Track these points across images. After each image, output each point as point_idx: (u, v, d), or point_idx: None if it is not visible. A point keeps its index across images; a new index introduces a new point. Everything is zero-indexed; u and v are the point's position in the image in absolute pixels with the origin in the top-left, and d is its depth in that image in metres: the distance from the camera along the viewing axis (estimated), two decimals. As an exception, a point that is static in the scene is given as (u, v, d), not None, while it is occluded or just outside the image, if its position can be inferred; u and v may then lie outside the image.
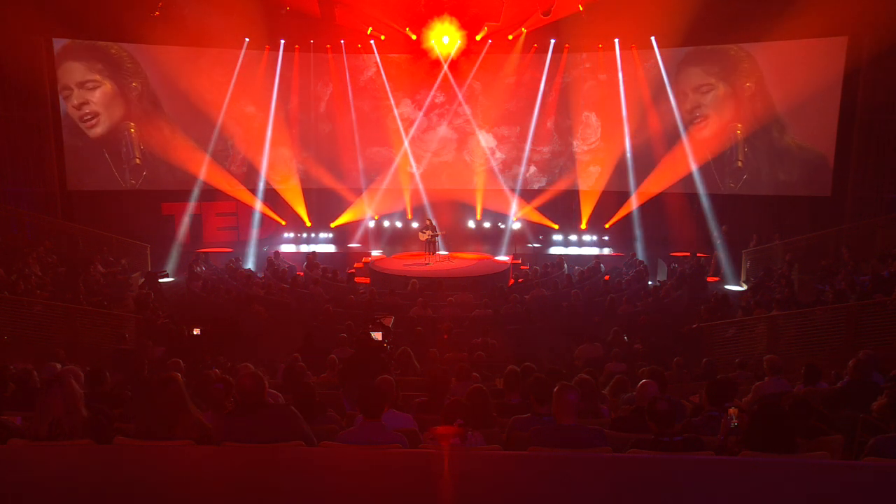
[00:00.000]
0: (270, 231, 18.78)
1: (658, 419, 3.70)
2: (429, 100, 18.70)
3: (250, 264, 16.26)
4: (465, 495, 2.37)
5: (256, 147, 18.13)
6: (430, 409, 5.05)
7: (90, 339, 10.30)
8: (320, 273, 14.46)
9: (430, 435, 3.70)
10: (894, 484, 2.52)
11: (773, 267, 13.76)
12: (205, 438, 3.54)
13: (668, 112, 16.93)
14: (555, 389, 3.91)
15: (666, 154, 17.10)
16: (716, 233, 15.98)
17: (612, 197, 17.96)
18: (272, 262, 15.54)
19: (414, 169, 19.00)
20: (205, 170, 17.47)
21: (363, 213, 18.90)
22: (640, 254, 16.38)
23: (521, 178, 18.92)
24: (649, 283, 14.18)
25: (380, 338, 8.35)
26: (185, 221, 17.68)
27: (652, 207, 17.37)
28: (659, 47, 16.72)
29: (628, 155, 17.60)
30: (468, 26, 17.28)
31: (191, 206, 17.64)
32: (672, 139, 17.00)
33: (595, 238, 18.19)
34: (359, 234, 18.71)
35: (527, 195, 18.85)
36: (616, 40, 17.15)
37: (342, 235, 18.78)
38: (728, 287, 14.61)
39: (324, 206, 18.99)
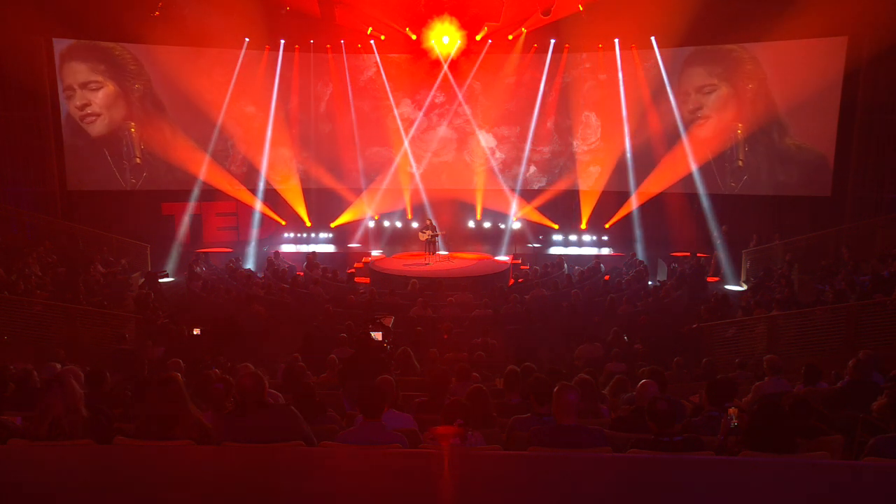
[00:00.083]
0: (270, 231, 18.78)
1: (658, 419, 3.70)
2: (429, 100, 18.70)
3: (250, 264, 16.26)
4: (465, 495, 2.37)
5: (256, 147, 18.13)
6: (430, 409, 5.05)
7: (90, 339, 10.30)
8: (320, 273, 14.46)
9: (430, 435, 3.70)
10: (894, 484, 2.52)
11: (773, 267, 13.76)
12: (205, 438, 3.54)
13: (668, 112, 16.93)
14: (555, 389, 3.91)
15: (666, 154, 17.10)
16: (716, 233, 15.98)
17: (612, 197, 17.96)
18: (272, 262, 15.54)
19: (414, 169, 19.00)
20: (205, 170, 17.47)
21: (363, 212, 18.91)
22: (640, 254, 16.38)
23: (521, 178, 18.92)
24: (649, 283, 14.17)
25: (380, 338, 8.35)
26: (185, 221, 17.68)
27: (652, 207, 17.37)
28: (659, 47, 16.72)
29: (628, 155, 17.60)
30: (468, 26, 17.29)
31: (191, 206, 17.64)
32: (672, 139, 17.00)
33: (595, 238, 18.20)
34: (359, 234, 18.71)
35: (527, 195, 18.85)
36: (616, 40, 17.15)
37: (342, 235, 18.78)
38: (728, 287, 14.61)
39: (324, 206, 18.99)
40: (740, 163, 16.56)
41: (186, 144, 17.38)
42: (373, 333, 8.20)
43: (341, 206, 18.86)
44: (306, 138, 18.84)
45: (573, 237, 18.35)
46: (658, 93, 16.97)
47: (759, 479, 2.56)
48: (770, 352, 8.36)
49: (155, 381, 3.79)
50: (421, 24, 17.06)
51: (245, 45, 17.26)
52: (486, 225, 18.97)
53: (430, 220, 16.63)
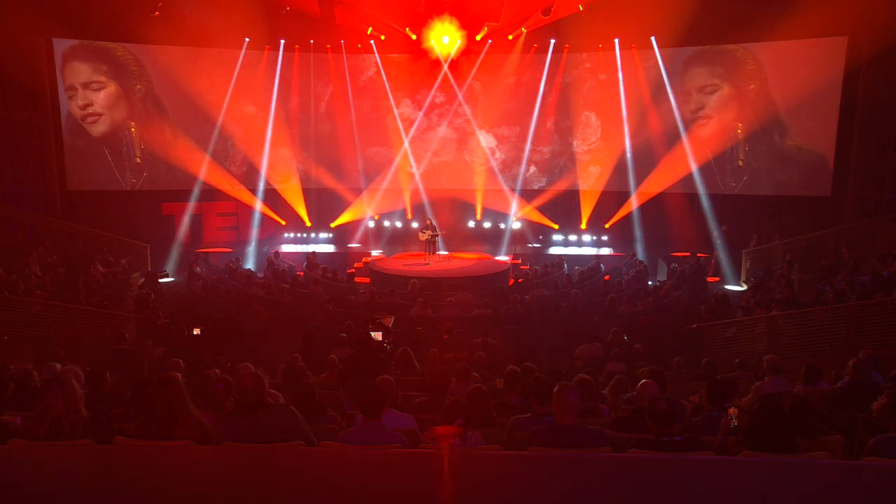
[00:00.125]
0: (270, 231, 18.78)
1: (658, 419, 3.70)
2: (429, 100, 18.69)
3: (250, 264, 16.26)
4: (465, 495, 2.37)
5: (256, 147, 18.13)
6: (430, 409, 5.05)
7: (90, 339, 10.30)
8: (320, 273, 14.46)
9: (430, 435, 3.70)
10: (894, 484, 2.52)
11: (773, 267, 13.76)
12: (205, 438, 3.54)
13: (668, 112, 16.93)
14: (555, 389, 3.91)
15: (666, 154, 17.10)
16: (716, 233, 15.98)
17: (612, 197, 17.95)
18: (272, 262, 15.54)
19: (414, 169, 19.00)
20: (205, 170, 17.47)
21: (363, 212, 18.90)
22: (640, 254, 16.38)
23: (521, 178, 18.92)
24: (649, 283, 14.18)
25: (380, 338, 8.35)
26: (185, 221, 17.68)
27: (652, 207, 17.37)
28: (659, 47, 16.72)
29: (628, 155, 17.60)
30: (468, 26, 17.28)
31: (191, 206, 17.64)
32: (672, 139, 17.00)
33: (595, 238, 18.20)
34: (359, 234, 18.71)
35: (527, 195, 18.85)
36: (616, 40, 17.15)
37: (342, 235, 18.77)
38: (728, 287, 14.60)
39: (324, 206, 18.99)
40: (740, 162, 16.56)
41: (186, 144, 17.39)
42: (373, 333, 8.20)
43: (341, 206, 18.86)
44: (306, 138, 18.84)
45: (573, 237, 18.36)
46: (658, 93, 16.97)
47: (759, 479, 2.56)
48: (770, 352, 8.35)
49: (155, 381, 3.79)
50: (421, 24, 17.06)
51: (245, 45, 17.26)
52: (487, 225, 18.97)
53: (430, 220, 16.63)
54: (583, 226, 18.40)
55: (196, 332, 10.12)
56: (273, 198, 18.53)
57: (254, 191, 18.18)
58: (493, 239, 18.33)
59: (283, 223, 18.78)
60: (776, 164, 16.12)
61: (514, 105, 18.65)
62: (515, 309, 11.68)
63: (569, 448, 3.62)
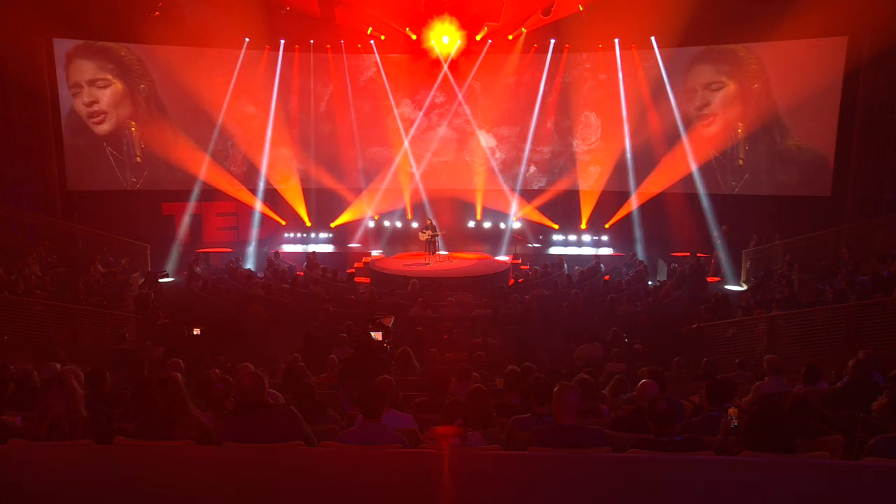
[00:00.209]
0: (270, 231, 18.78)
1: (658, 419, 3.69)
2: (429, 100, 18.70)
3: (250, 264, 16.27)
4: (465, 495, 2.37)
5: (256, 147, 18.13)
6: (430, 409, 5.04)
7: (90, 339, 10.30)
8: (320, 273, 14.46)
9: (430, 435, 3.70)
10: (894, 484, 2.52)
11: (773, 267, 13.76)
12: (205, 438, 3.54)
13: (668, 112, 16.93)
14: (555, 389, 3.91)
15: (666, 154, 17.10)
16: (716, 233, 15.98)
17: (612, 197, 17.96)
18: (272, 262, 15.54)
19: (414, 169, 19.00)
20: (205, 170, 17.48)
21: (363, 212, 18.91)
22: (640, 254, 16.39)
23: (521, 178, 18.92)
24: (649, 283, 14.18)
25: (380, 338, 8.34)
26: (185, 221, 17.69)
27: (652, 207, 17.38)
28: (659, 47, 16.72)
29: (628, 155, 17.60)
30: (468, 26, 17.29)
31: (191, 206, 17.64)
32: (672, 139, 17.00)
33: (595, 238, 18.20)
34: (359, 234, 18.71)
35: (527, 195, 18.85)
36: (616, 40, 17.15)
37: (342, 235, 18.78)
38: (728, 287, 14.61)
39: (324, 206, 18.99)
40: (741, 162, 16.57)
41: (187, 144, 17.39)
42: (373, 333, 8.19)
43: (341, 206, 18.86)
44: (306, 138, 18.84)
45: (573, 237, 18.35)
46: (658, 93, 16.97)
47: (759, 479, 2.56)
48: (770, 352, 8.36)
49: (155, 381, 3.79)
50: (421, 24, 17.06)
51: (245, 45, 17.26)
52: (486, 225, 18.97)
53: (430, 220, 16.63)
54: (583, 226, 18.40)
55: (196, 332, 10.12)
56: (273, 198, 18.54)
57: (254, 191, 18.18)
58: (493, 239, 18.33)
59: (283, 223, 18.78)
60: (777, 163, 16.12)
61: (514, 105, 18.65)
62: (515, 309, 11.68)
63: (569, 448, 3.62)
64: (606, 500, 2.42)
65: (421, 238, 16.23)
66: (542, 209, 18.61)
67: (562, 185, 18.77)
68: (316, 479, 2.63)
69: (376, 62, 18.33)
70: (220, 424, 3.72)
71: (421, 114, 18.82)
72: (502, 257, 17.31)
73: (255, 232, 18.20)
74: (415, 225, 18.39)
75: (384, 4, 16.89)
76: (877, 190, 14.48)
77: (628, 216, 17.70)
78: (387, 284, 14.00)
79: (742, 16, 15.00)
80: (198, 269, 14.31)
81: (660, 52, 16.76)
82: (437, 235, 16.22)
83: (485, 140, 18.97)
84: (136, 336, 10.70)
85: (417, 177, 18.97)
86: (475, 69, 18.14)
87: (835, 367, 6.89)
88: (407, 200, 19.08)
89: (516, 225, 18.56)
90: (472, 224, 19.08)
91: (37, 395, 3.58)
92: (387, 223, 19.08)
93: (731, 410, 3.82)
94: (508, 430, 4.31)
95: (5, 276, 11.24)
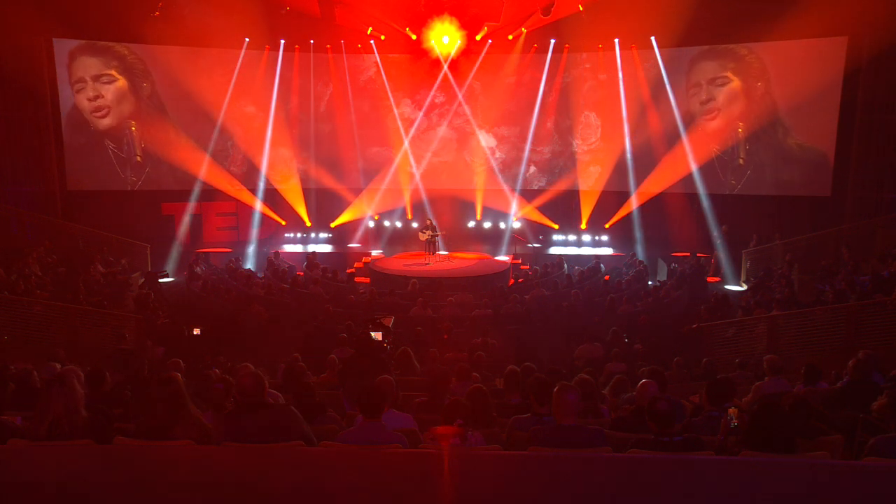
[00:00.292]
0: (270, 231, 18.78)
1: (658, 419, 3.69)
2: (429, 100, 18.70)
3: (250, 264, 16.27)
4: (465, 495, 2.37)
5: (256, 147, 18.13)
6: (430, 409, 5.05)
7: (90, 339, 10.30)
8: (320, 273, 14.46)
9: (430, 435, 3.70)
10: (894, 484, 2.52)
11: (774, 267, 13.76)
12: (205, 438, 3.54)
13: (668, 112, 16.93)
14: (555, 389, 3.91)
15: (666, 154, 17.10)
16: (716, 233, 15.98)
17: (612, 197, 17.96)
18: (272, 262, 15.54)
19: (414, 169, 19.00)
20: (205, 170, 17.48)
21: (363, 212, 18.91)
22: (640, 254, 16.39)
23: (521, 178, 18.92)
24: (649, 283, 14.18)
25: (380, 338, 8.34)
26: (185, 221, 17.69)
27: (652, 207, 17.38)
28: (659, 47, 16.72)
29: (628, 155, 17.61)
30: (468, 26, 17.29)
31: (191, 206, 17.65)
32: (672, 139, 17.00)
33: (595, 238, 18.20)
34: (359, 233, 18.71)
35: (527, 195, 18.85)
36: (616, 40, 17.15)
37: (342, 235, 18.78)
38: (728, 287, 14.61)
39: (324, 206, 19.00)
40: (741, 161, 16.57)
41: (187, 144, 17.40)
42: (373, 333, 8.19)
43: (341, 206, 18.86)
44: (306, 138, 18.84)
45: (573, 237, 18.35)
46: (658, 93, 16.97)
47: (759, 479, 2.56)
48: (770, 352, 8.36)
49: (155, 381, 3.78)
50: (421, 24, 17.06)
51: (245, 45, 17.27)
52: (487, 225, 18.97)
53: (430, 220, 16.63)
54: (583, 226, 18.40)
55: (196, 332, 10.12)
56: (273, 198, 18.54)
57: (254, 191, 18.18)
58: (493, 239, 18.33)
59: (283, 223, 18.78)
60: (778, 162, 16.13)
61: (514, 105, 18.64)
62: (515, 309, 11.68)
63: (569, 448, 3.62)
64: (606, 500, 2.42)
65: (421, 238, 16.23)
66: (542, 209, 18.61)
67: (562, 185, 18.77)
68: (316, 479, 2.63)
69: (376, 62, 18.33)
70: (220, 424, 3.72)
71: (421, 114, 18.83)
72: (502, 257, 17.31)
73: (255, 232, 18.20)
74: (415, 225, 18.39)
75: (384, 4, 16.89)
76: (877, 190, 14.48)
77: (628, 216, 17.70)
78: (387, 284, 14.00)
79: (742, 16, 15.00)
80: (198, 269, 14.31)
81: (660, 51, 16.76)
82: (437, 235, 16.22)
83: (485, 140, 18.97)
84: (136, 336, 10.70)
85: (417, 177, 18.98)
86: (475, 69, 18.14)
87: (835, 367, 6.89)
88: (407, 200, 19.08)
89: (516, 225, 18.56)
90: (472, 224, 19.08)
91: (37, 395, 3.58)
92: (387, 223, 19.08)
93: (731, 410, 3.82)
94: (508, 430, 4.31)
95: (5, 276, 11.24)
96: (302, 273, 14.84)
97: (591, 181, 18.46)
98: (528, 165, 18.94)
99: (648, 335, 10.28)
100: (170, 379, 3.67)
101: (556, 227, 18.62)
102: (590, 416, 5.00)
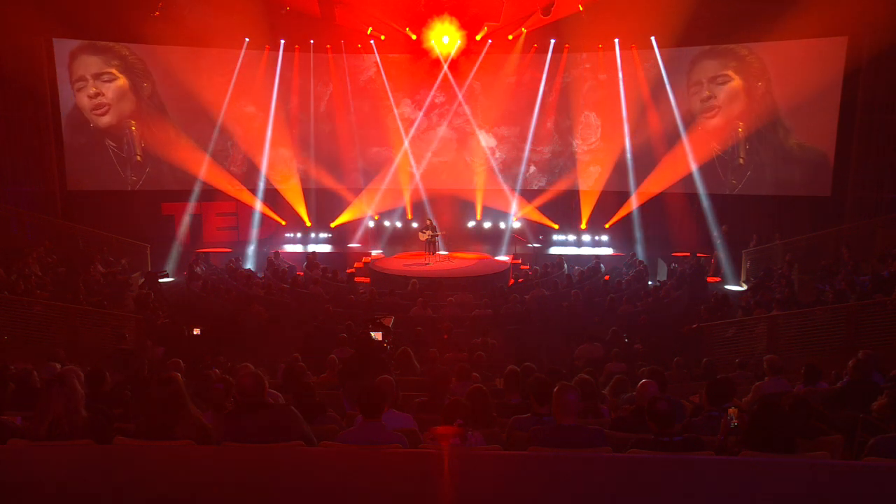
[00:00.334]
0: (270, 231, 18.78)
1: (658, 419, 3.70)
2: (429, 100, 18.70)
3: (250, 264, 16.27)
4: (465, 495, 2.37)
5: (256, 147, 18.14)
6: (430, 409, 5.05)
7: (90, 339, 10.30)
8: (320, 273, 14.46)
9: (430, 435, 3.70)
10: (894, 484, 2.52)
11: (774, 267, 13.76)
12: (205, 438, 3.54)
13: (668, 112, 16.93)
14: (555, 389, 3.91)
15: (666, 154, 17.10)
16: (716, 233, 15.98)
17: (612, 197, 17.96)
18: (272, 262, 15.54)
19: (414, 169, 19.00)
20: (205, 170, 17.48)
21: (363, 212, 18.91)
22: (641, 254, 16.39)
23: (521, 178, 18.92)
24: (649, 283, 14.18)
25: (380, 338, 8.34)
26: (185, 221, 17.69)
27: (652, 207, 17.38)
28: (659, 47, 16.72)
29: (628, 155, 17.60)
30: (468, 26, 17.29)
31: (191, 206, 17.65)
32: (672, 139, 17.00)
33: (595, 238, 18.20)
34: (359, 233, 18.71)
35: (527, 195, 18.85)
36: (616, 40, 17.15)
37: (342, 235, 18.78)
38: (728, 287, 14.61)
39: (324, 206, 19.00)
40: (741, 160, 16.58)
41: (187, 144, 17.40)
42: (373, 333, 8.19)
43: (341, 206, 18.86)
44: (306, 138, 18.84)
45: (573, 237, 18.35)
46: (658, 93, 16.97)
47: (759, 479, 2.56)
48: (770, 352, 8.36)
49: (155, 381, 3.78)
50: (421, 24, 17.06)
51: (245, 45, 17.27)
52: (487, 225, 18.97)
53: (430, 220, 16.63)
54: (583, 226, 18.40)
55: (196, 332, 10.13)
56: (273, 198, 18.54)
57: (254, 191, 18.18)
58: (493, 239, 18.33)
59: (283, 223, 18.78)
60: (778, 162, 16.13)
61: (514, 105, 18.64)
62: (515, 309, 11.68)
63: (569, 448, 3.62)
64: (606, 500, 2.42)
65: (421, 238, 16.23)
66: (542, 209, 18.61)
67: (562, 185, 18.77)
68: (316, 479, 2.63)
69: (376, 62, 18.33)
70: (220, 424, 3.72)
71: (421, 114, 18.82)
72: (502, 257, 17.31)
73: (255, 232, 18.20)
74: (415, 225, 18.39)
75: (384, 4, 16.89)
76: (877, 190, 14.48)
77: (628, 216, 17.70)
78: (387, 284, 14.00)
79: (742, 16, 15.00)
80: (198, 269, 14.31)
81: (660, 51, 16.76)
82: (437, 235, 16.22)
83: (485, 140, 18.97)
84: (136, 336, 10.70)
85: (417, 177, 18.97)
86: (475, 69, 18.14)
87: (835, 367, 6.90)
88: (407, 200, 19.08)
89: (516, 225, 18.56)
90: (472, 224, 19.08)
91: (37, 395, 3.58)
92: (387, 223, 19.08)
93: (731, 410, 3.82)
94: (508, 430, 4.31)
95: (5, 276, 11.24)
96: (302, 273, 14.84)
97: (591, 181, 18.46)
98: (528, 165, 18.94)
99: (648, 335, 10.28)
100: (170, 379, 3.68)
101: (556, 227, 18.62)
102: (590, 416, 5.00)
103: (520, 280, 15.18)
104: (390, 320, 9.67)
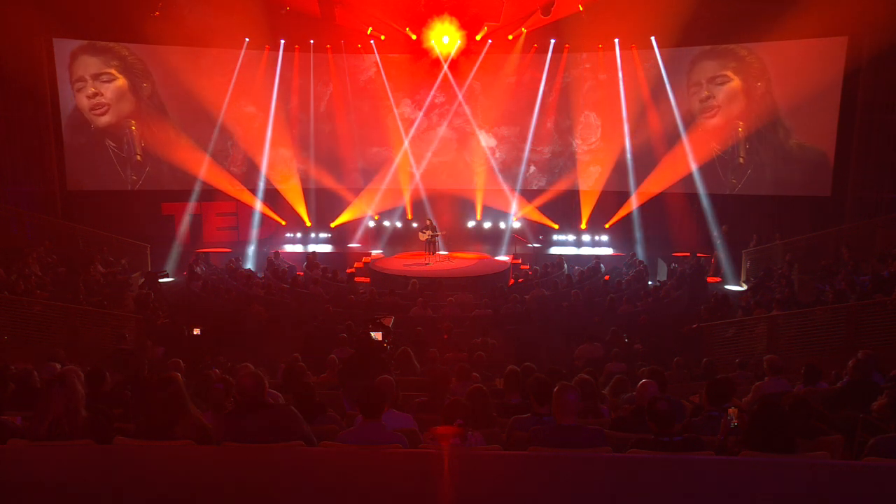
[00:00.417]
0: (270, 231, 18.78)
1: (658, 419, 3.70)
2: (429, 100, 18.69)
3: (250, 264, 16.27)
4: (465, 495, 2.37)
5: (256, 147, 18.14)
6: (430, 409, 5.05)
7: (90, 339, 10.30)
8: (320, 273, 14.46)
9: (430, 435, 3.70)
10: (894, 484, 2.52)
11: (774, 267, 13.76)
12: (205, 438, 3.54)
13: (668, 112, 16.93)
14: (555, 389, 3.91)
15: (666, 154, 17.10)
16: (716, 233, 15.98)
17: (612, 197, 17.96)
18: (272, 262, 15.54)
19: (414, 169, 19.00)
20: (205, 170, 17.49)
21: (363, 212, 18.91)
22: (641, 254, 16.39)
23: (521, 178, 18.92)
24: (649, 283, 14.18)
25: (380, 338, 8.34)
26: (185, 221, 17.70)
27: (652, 207, 17.38)
28: (659, 47, 16.73)
29: (628, 155, 17.61)
30: (468, 26, 17.29)
31: (191, 206, 17.65)
32: (672, 139, 17.00)
33: (595, 238, 18.20)
34: (359, 233, 18.71)
35: (527, 195, 18.85)
36: (616, 40, 17.15)
37: (342, 235, 18.78)
38: (728, 287, 14.61)
39: (324, 206, 19.00)
40: (741, 160, 16.58)
41: (187, 144, 17.40)
42: (373, 333, 8.19)
43: (341, 206, 18.87)
44: (306, 138, 18.84)
45: (573, 237, 18.35)
46: (658, 93, 16.97)
47: (759, 479, 2.56)
48: (770, 352, 8.36)
49: (155, 381, 3.79)
50: (421, 24, 17.06)
51: (245, 45, 17.27)
52: (487, 225, 18.97)
53: (430, 219, 16.63)
54: (583, 226, 18.40)
55: (196, 332, 10.12)
56: (273, 198, 18.54)
57: (254, 191, 18.19)
58: (493, 239, 18.33)
59: (283, 223, 18.79)
60: (778, 162, 16.13)
61: (514, 105, 18.64)
62: (515, 309, 11.68)
63: (569, 448, 3.62)
64: (606, 500, 2.42)
65: (421, 238, 16.24)
66: (542, 209, 18.61)
67: (562, 185, 18.77)
68: (316, 479, 2.63)
69: (376, 62, 18.33)
70: (220, 424, 3.72)
71: (421, 114, 18.82)
72: (502, 257, 17.31)
73: (255, 232, 18.20)
74: (415, 225, 18.39)
75: (384, 4, 16.89)
76: (877, 190, 14.48)
77: (628, 216, 17.70)
78: (387, 284, 14.01)
79: (742, 16, 15.00)
80: (198, 269, 14.31)
81: (660, 51, 16.76)
82: (437, 235, 16.23)
83: (485, 140, 18.97)
84: (136, 336, 10.70)
85: (417, 177, 18.97)
86: (475, 69, 18.14)
87: (835, 367, 6.89)
88: (407, 200, 19.08)
89: (516, 225, 18.56)
90: (472, 224, 19.08)
91: (37, 395, 3.57)
92: (387, 223, 19.08)
93: (731, 410, 3.82)
94: (508, 430, 4.31)
95: (5, 276, 11.24)
96: (302, 273, 14.84)
97: (591, 181, 18.46)
98: (528, 165, 18.94)
99: (648, 335, 10.28)
100: (170, 379, 3.68)
101: (556, 227, 18.62)
102: (590, 416, 5.00)
103: (520, 280, 15.18)
104: (390, 320, 9.67)
